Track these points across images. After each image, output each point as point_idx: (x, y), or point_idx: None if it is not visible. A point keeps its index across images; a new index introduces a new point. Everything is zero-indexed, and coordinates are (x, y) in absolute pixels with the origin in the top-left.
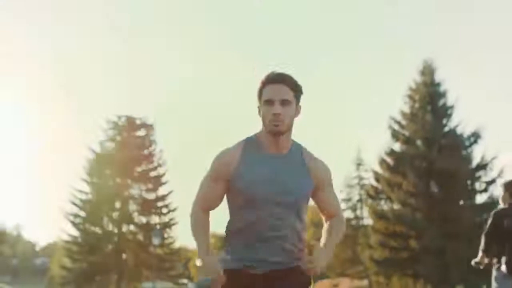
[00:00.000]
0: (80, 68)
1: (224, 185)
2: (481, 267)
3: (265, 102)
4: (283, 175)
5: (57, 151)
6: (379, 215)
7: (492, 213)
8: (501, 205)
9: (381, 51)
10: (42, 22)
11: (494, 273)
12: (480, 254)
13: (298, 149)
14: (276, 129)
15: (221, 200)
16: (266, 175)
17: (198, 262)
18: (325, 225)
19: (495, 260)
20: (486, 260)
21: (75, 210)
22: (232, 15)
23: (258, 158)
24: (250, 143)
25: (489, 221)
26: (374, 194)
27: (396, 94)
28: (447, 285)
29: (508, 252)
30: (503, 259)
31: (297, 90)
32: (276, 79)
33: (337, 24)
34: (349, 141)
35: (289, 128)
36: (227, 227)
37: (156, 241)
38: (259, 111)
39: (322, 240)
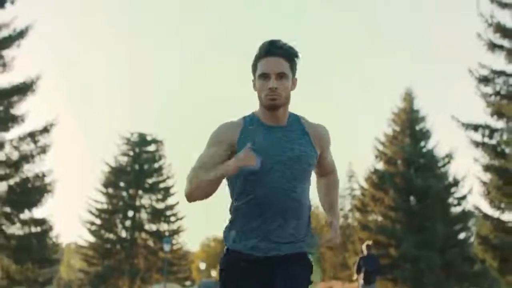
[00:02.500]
0: (94, 90)
1: (226, 151)
2: (354, 278)
3: (260, 76)
4: (288, 144)
5: (76, 165)
6: (363, 226)
7: (358, 258)
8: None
9: (382, 61)
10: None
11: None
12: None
13: (296, 119)
14: (273, 103)
15: (219, 164)
16: (272, 144)
17: (228, 165)
18: (321, 183)
19: (361, 276)
20: (356, 276)
21: (92, 218)
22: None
23: (260, 130)
24: (249, 118)
25: (357, 261)
26: (361, 207)
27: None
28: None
29: (364, 273)
30: (361, 275)
31: (292, 60)
32: (272, 52)
33: (340, 28)
34: (343, 153)
35: (287, 102)
36: (230, 209)
37: (166, 247)
38: (254, 85)
39: (328, 209)
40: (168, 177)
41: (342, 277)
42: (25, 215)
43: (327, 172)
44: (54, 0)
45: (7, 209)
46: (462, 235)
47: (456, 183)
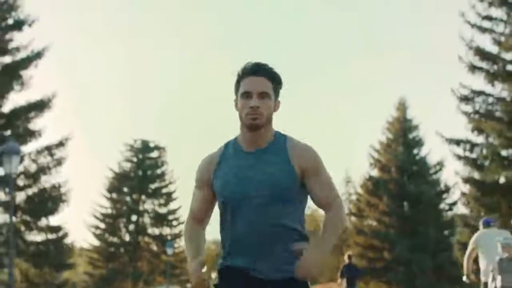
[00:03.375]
0: (98, 98)
1: (208, 191)
2: (338, 282)
3: (242, 94)
4: (257, 170)
5: (81, 170)
6: (358, 230)
7: (342, 265)
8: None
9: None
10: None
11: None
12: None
13: (281, 139)
14: (254, 122)
15: (207, 208)
16: (238, 173)
17: (190, 271)
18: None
19: (344, 280)
20: (339, 280)
21: (96, 222)
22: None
23: (234, 157)
24: (229, 145)
25: (341, 269)
26: (356, 212)
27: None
28: None
29: (346, 278)
30: (344, 280)
31: (276, 82)
32: (254, 71)
33: (339, 30)
34: (340, 158)
35: (268, 122)
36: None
37: (169, 251)
38: (236, 105)
39: (313, 242)
40: (170, 183)
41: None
42: (42, 222)
43: (322, 205)
44: (68, 22)
45: (26, 217)
46: (452, 240)
47: (447, 189)
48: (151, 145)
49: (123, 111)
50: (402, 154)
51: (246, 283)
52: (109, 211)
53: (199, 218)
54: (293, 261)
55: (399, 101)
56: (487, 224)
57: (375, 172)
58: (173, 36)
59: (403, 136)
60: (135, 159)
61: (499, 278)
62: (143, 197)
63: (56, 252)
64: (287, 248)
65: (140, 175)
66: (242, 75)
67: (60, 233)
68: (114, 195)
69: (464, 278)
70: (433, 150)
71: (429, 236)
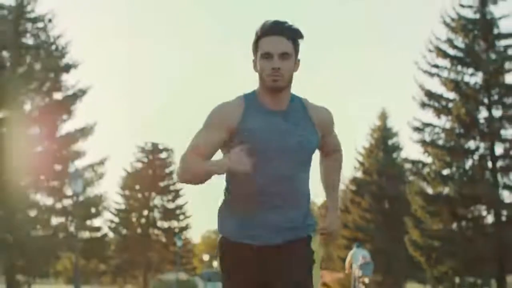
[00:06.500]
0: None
1: (223, 136)
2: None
3: (263, 55)
4: (288, 130)
5: None
6: (344, 224)
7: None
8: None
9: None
10: None
11: None
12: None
13: (298, 101)
14: (275, 84)
15: (212, 152)
16: (271, 131)
17: (220, 166)
18: (324, 163)
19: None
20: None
21: (111, 216)
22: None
23: (261, 114)
24: (250, 99)
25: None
26: (343, 208)
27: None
28: (391, 275)
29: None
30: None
31: (296, 41)
32: (275, 30)
33: (339, 24)
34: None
35: (289, 84)
36: (225, 194)
37: (179, 243)
38: (255, 65)
39: (327, 192)
40: (177, 181)
41: (329, 268)
42: (87, 223)
43: (330, 151)
44: (107, 64)
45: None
46: None
47: None
48: (160, 147)
49: (135, 116)
50: (382, 159)
51: (250, 255)
52: (123, 206)
53: (201, 156)
54: (296, 226)
55: (381, 112)
56: (357, 245)
57: (359, 174)
58: (174, 38)
59: (383, 142)
60: (146, 160)
61: (359, 272)
62: (153, 194)
63: (98, 247)
64: (296, 214)
65: (150, 174)
66: (261, 34)
67: (101, 232)
68: (127, 192)
69: (346, 271)
70: (411, 155)
71: (404, 230)
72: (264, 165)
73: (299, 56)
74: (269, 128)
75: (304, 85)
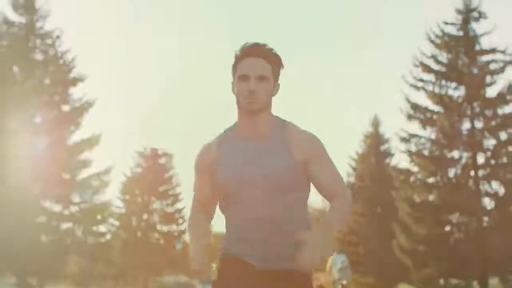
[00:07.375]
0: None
1: (209, 179)
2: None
3: (240, 77)
4: (259, 158)
5: None
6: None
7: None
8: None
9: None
10: None
11: None
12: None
13: (281, 125)
14: (251, 107)
15: (212, 191)
16: (241, 162)
17: (191, 263)
18: (328, 211)
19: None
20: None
21: (112, 220)
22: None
23: (235, 145)
24: (227, 132)
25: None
26: None
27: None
28: (383, 278)
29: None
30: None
31: (276, 64)
32: (253, 52)
33: (334, 25)
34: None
35: (267, 106)
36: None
37: (178, 246)
38: (233, 88)
39: (316, 231)
40: (176, 185)
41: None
42: (94, 229)
43: (327, 195)
44: (112, 77)
45: (82, 226)
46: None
47: None
48: (160, 152)
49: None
50: (374, 165)
51: (247, 273)
52: (123, 210)
53: (203, 208)
54: (294, 251)
55: (374, 119)
56: (337, 252)
57: (352, 179)
58: (176, 50)
59: (375, 149)
60: (145, 165)
61: (338, 275)
62: (153, 198)
63: (105, 252)
64: (285, 241)
65: (150, 179)
66: (240, 56)
67: (106, 237)
68: (127, 197)
69: (327, 274)
70: (400, 163)
71: (395, 234)
72: (238, 207)
73: (279, 81)
74: (242, 160)
75: (303, 87)
